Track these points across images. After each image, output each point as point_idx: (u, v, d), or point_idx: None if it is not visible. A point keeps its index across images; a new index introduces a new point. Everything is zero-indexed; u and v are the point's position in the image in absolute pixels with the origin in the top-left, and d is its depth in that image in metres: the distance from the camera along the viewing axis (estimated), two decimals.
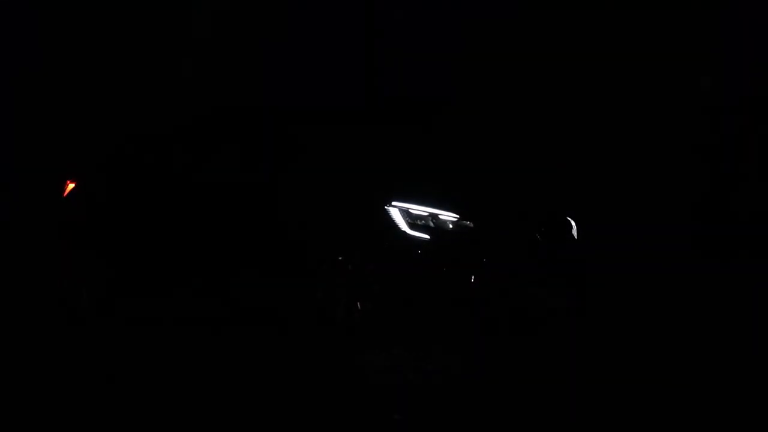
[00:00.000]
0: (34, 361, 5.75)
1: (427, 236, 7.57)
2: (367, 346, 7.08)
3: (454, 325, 9.71)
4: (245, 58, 14.03)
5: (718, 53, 13.27)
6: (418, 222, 7.60)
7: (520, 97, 13.81)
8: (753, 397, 5.25)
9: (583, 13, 13.68)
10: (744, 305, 8.94)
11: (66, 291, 9.15)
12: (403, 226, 7.60)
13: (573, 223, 8.47)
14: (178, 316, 8.41)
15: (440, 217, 7.64)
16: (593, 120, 14.03)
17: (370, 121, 11.00)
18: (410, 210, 7.65)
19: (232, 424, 4.21)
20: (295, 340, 7.42)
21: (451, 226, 7.63)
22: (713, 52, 13.22)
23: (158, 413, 4.43)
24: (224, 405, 4.46)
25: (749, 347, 7.30)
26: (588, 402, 4.90)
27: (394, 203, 7.68)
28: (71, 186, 9.66)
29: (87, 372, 5.59)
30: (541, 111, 13.89)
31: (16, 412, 4.11)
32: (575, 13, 13.64)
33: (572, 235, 8.32)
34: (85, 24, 15.67)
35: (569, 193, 13.12)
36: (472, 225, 7.68)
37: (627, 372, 6.01)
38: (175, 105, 14.19)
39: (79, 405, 4.61)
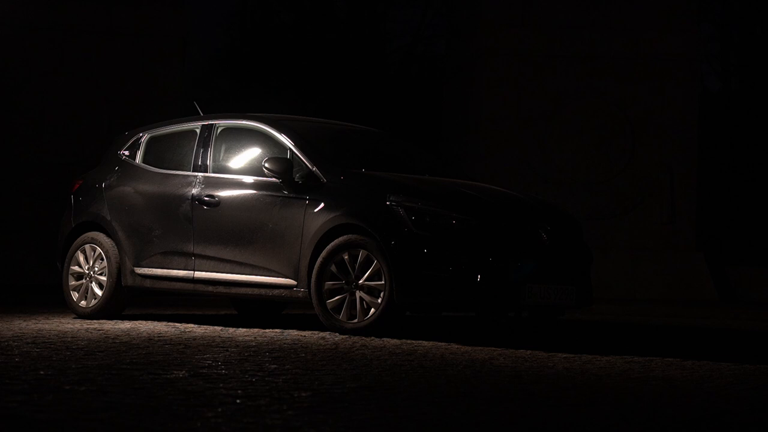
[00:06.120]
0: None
1: (433, 235, 7.58)
2: (370, 344, 7.10)
3: (460, 323, 9.73)
4: None
5: None
6: (425, 221, 7.61)
7: None
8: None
9: None
10: None
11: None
12: (409, 224, 7.61)
13: (578, 221, 8.49)
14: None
15: (446, 216, 7.64)
16: None
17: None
18: (416, 209, 7.66)
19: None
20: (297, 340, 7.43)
21: (457, 225, 7.64)
22: None
23: None
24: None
25: None
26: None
27: (400, 202, 7.69)
28: (78, 184, 9.71)
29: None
30: None
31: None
32: None
33: (578, 234, 8.34)
34: None
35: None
36: (477, 224, 7.69)
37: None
38: None
39: None
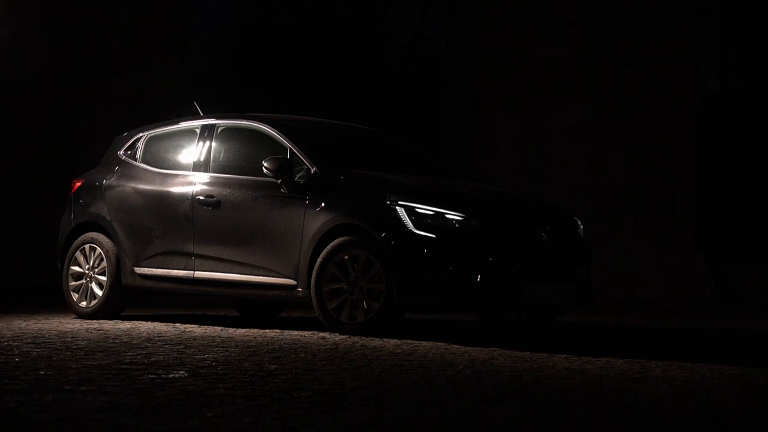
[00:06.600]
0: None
1: (433, 235, 7.58)
2: (370, 345, 7.10)
3: (460, 324, 9.73)
4: None
5: None
6: (425, 221, 7.61)
7: None
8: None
9: None
10: None
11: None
12: (409, 225, 7.61)
13: (578, 221, 8.49)
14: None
15: (446, 216, 7.64)
16: None
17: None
18: (416, 209, 7.65)
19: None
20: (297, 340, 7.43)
21: (457, 225, 7.63)
22: None
23: None
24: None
25: None
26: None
27: (400, 202, 7.69)
28: (78, 184, 9.71)
29: None
30: None
31: None
32: None
33: (578, 234, 8.34)
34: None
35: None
36: (478, 224, 7.69)
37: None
38: None
39: None
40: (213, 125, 8.98)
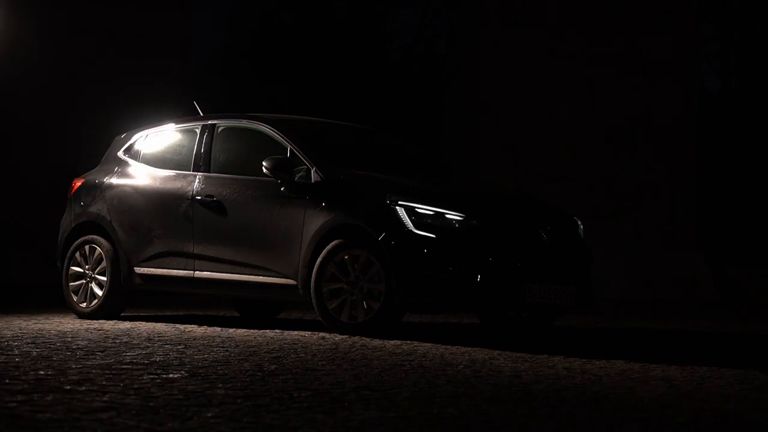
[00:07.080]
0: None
1: (433, 235, 7.57)
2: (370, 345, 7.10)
3: (460, 324, 9.73)
4: None
5: None
6: (425, 221, 7.61)
7: None
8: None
9: None
10: None
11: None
12: (409, 225, 7.61)
13: (579, 221, 8.49)
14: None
15: (446, 216, 7.64)
16: None
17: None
18: (416, 209, 7.65)
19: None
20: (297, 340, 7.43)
21: (457, 225, 7.63)
22: None
23: None
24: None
25: None
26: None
27: (400, 202, 7.69)
28: (78, 184, 9.71)
29: None
30: None
31: None
32: None
33: (578, 234, 8.34)
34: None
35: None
36: (478, 224, 7.68)
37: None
38: None
39: None
40: (213, 125, 8.98)
